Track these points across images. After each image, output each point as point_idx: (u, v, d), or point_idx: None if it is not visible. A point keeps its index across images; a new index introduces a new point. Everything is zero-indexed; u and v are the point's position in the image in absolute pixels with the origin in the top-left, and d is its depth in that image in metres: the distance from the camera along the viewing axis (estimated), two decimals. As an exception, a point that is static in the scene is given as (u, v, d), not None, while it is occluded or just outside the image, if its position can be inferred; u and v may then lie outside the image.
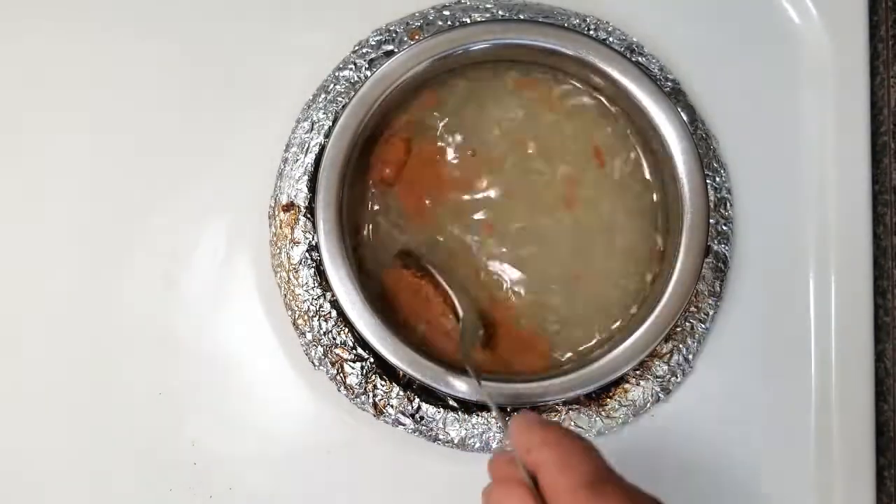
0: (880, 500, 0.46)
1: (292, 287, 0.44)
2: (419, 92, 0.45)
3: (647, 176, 0.45)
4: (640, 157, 0.45)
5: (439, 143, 0.45)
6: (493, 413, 0.34)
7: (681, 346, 0.45)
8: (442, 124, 0.45)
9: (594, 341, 0.44)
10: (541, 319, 0.44)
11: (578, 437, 0.28)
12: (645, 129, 0.44)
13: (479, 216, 0.44)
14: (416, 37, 0.46)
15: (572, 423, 0.44)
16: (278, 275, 0.45)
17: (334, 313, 0.44)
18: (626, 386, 0.44)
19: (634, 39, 0.47)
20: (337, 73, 0.46)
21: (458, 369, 0.41)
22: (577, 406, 0.44)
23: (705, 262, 0.45)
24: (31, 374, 0.45)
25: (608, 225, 0.45)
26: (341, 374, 0.44)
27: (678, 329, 0.45)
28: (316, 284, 0.44)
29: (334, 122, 0.44)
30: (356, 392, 0.44)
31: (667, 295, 0.42)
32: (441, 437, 0.44)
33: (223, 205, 0.46)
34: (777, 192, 0.48)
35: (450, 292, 0.42)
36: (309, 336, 0.44)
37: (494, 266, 0.44)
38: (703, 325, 0.45)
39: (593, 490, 0.26)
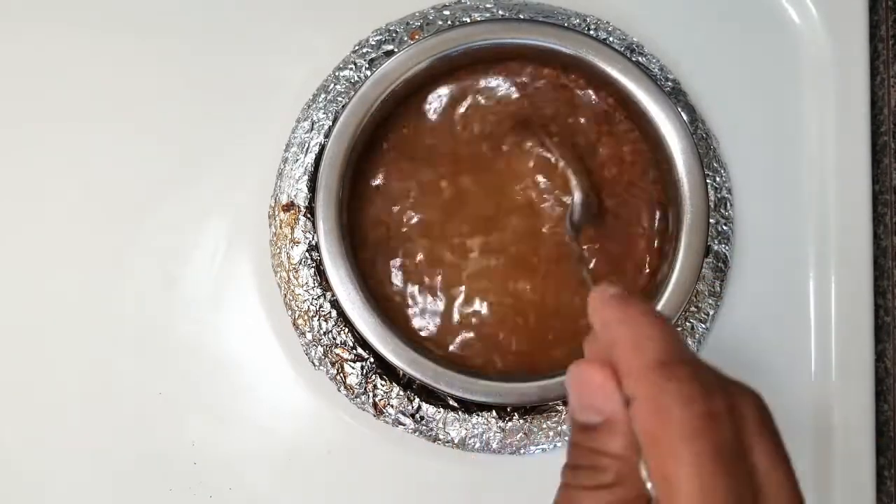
0: (880, 500, 0.46)
1: (292, 287, 0.44)
2: (420, 91, 0.45)
3: (647, 175, 0.45)
4: (640, 156, 0.45)
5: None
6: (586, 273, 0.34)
7: (681, 346, 0.45)
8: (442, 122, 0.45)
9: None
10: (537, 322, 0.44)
11: (657, 317, 0.28)
12: (645, 128, 0.44)
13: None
14: (416, 37, 0.46)
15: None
16: (278, 275, 0.45)
17: (334, 313, 0.44)
18: (627, 386, 0.44)
19: (634, 39, 0.47)
20: (337, 73, 0.46)
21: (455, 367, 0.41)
22: (577, 406, 0.44)
23: (705, 262, 0.45)
24: (30, 374, 0.45)
25: (607, 225, 0.45)
26: (341, 374, 0.44)
27: (678, 329, 0.45)
28: (316, 284, 0.44)
29: (334, 121, 0.44)
30: (356, 392, 0.44)
31: (666, 295, 0.42)
32: (441, 437, 0.44)
33: (223, 205, 0.46)
34: (777, 192, 0.48)
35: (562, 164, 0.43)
36: (309, 336, 0.44)
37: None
38: (703, 325, 0.45)
39: (662, 371, 0.25)
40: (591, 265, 0.43)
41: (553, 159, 0.43)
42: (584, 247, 0.43)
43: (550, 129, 0.44)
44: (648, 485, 0.25)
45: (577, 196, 0.43)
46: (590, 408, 0.27)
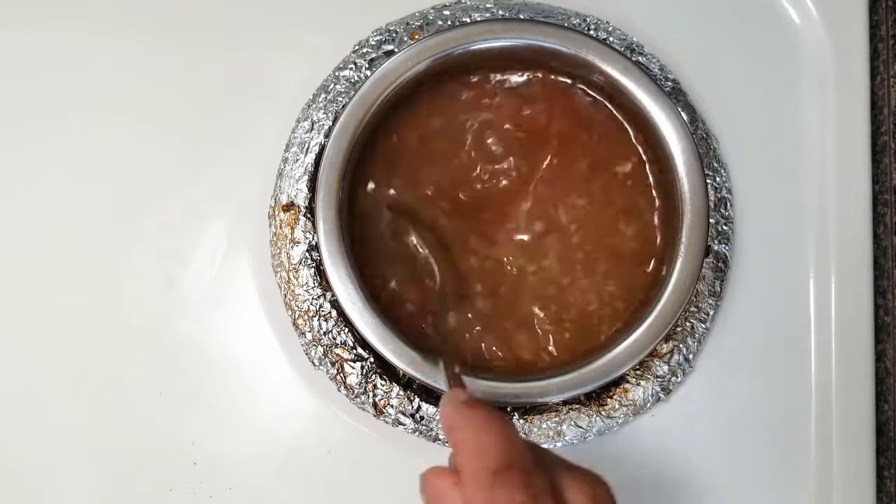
0: (880, 500, 0.46)
1: (292, 287, 0.44)
2: (420, 91, 0.45)
3: (647, 176, 0.45)
4: (640, 156, 0.45)
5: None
6: (445, 386, 0.36)
7: (681, 345, 0.45)
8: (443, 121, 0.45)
9: (593, 343, 0.44)
10: (534, 317, 0.44)
11: (499, 421, 0.29)
12: (645, 128, 0.44)
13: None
14: (416, 37, 0.46)
15: (573, 423, 0.44)
16: (278, 275, 0.45)
17: (334, 313, 0.44)
18: (626, 386, 0.44)
19: (634, 39, 0.47)
20: (337, 73, 0.46)
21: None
22: (577, 406, 0.44)
23: (705, 262, 0.45)
24: (31, 374, 0.45)
25: (607, 225, 0.45)
26: (341, 374, 0.44)
27: (678, 329, 0.45)
28: (316, 284, 0.44)
29: (334, 121, 0.44)
30: (356, 392, 0.44)
31: (667, 295, 0.42)
32: (441, 437, 0.44)
33: (223, 205, 0.46)
34: (777, 192, 0.48)
35: (429, 257, 0.43)
36: (309, 336, 0.44)
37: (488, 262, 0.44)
38: (703, 325, 0.45)
39: (494, 478, 0.27)
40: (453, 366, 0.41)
41: (420, 248, 0.43)
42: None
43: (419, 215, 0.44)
44: None
45: (440, 289, 0.43)
46: None
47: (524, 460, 0.27)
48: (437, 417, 0.43)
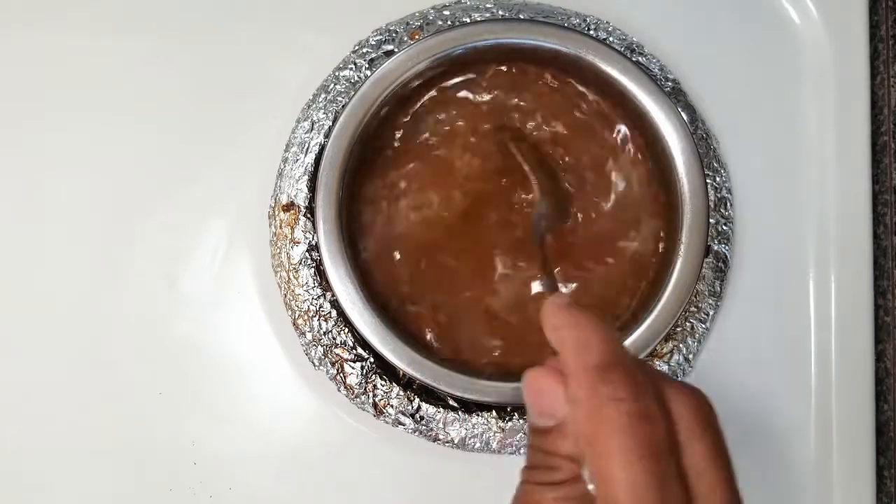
0: (880, 500, 0.46)
1: (292, 287, 0.44)
2: (420, 91, 0.45)
3: (647, 176, 0.45)
4: (640, 156, 0.45)
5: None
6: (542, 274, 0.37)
7: (681, 345, 0.45)
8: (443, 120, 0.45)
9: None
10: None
11: (602, 322, 0.29)
12: (645, 128, 0.44)
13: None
14: (416, 37, 0.46)
15: (572, 423, 0.44)
16: (278, 275, 0.45)
17: (334, 313, 0.44)
18: (626, 386, 0.44)
19: (634, 39, 0.47)
20: (337, 73, 0.46)
21: (458, 368, 0.41)
22: (577, 406, 0.44)
23: (705, 262, 0.45)
24: (31, 374, 0.45)
25: (607, 225, 0.45)
26: (341, 374, 0.44)
27: (678, 329, 0.45)
28: (316, 284, 0.44)
29: (334, 121, 0.44)
30: (356, 392, 0.44)
31: (667, 295, 0.42)
32: (441, 437, 0.44)
33: (223, 205, 0.46)
34: (777, 192, 0.48)
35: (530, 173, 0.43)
36: (309, 336, 0.44)
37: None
38: (703, 325, 0.45)
39: (598, 373, 0.27)
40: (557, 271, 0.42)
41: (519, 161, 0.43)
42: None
43: (525, 133, 0.44)
44: (590, 486, 0.26)
45: (539, 201, 0.43)
46: (542, 413, 0.28)
47: (627, 360, 0.28)
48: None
